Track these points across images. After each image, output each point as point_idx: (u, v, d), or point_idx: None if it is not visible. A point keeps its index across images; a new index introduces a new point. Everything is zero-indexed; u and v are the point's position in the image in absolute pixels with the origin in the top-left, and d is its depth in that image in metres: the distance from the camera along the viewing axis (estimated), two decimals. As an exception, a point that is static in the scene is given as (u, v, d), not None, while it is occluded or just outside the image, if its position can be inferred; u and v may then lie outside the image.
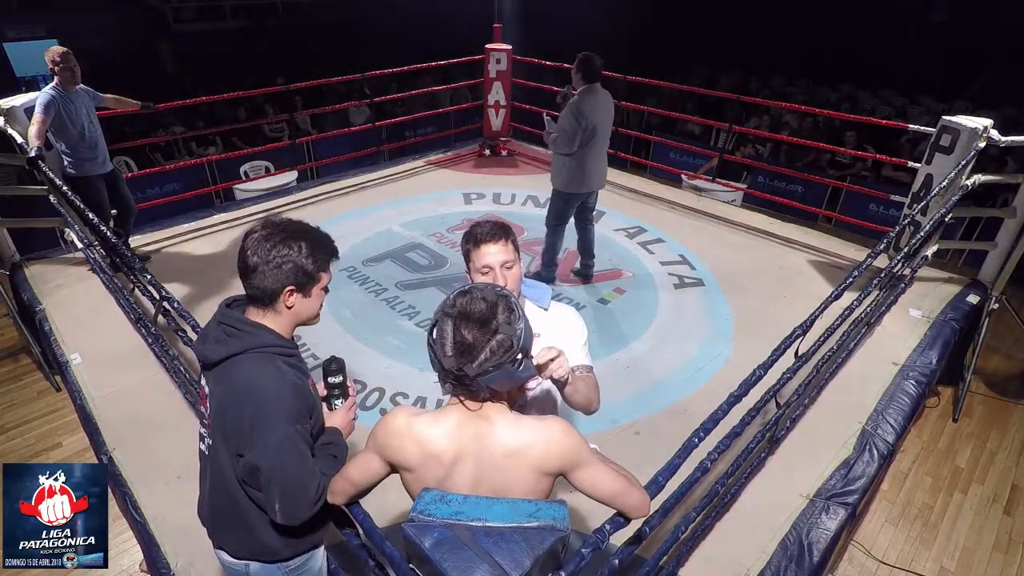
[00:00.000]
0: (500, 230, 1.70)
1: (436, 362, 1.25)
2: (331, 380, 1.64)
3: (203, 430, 1.54)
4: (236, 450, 1.43)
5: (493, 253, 1.67)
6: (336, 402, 1.64)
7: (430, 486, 1.30)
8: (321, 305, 1.54)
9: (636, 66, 6.33)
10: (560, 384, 1.51)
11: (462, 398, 1.29)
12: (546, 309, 1.82)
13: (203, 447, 1.55)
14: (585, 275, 4.42)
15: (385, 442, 1.35)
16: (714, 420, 1.85)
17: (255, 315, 1.46)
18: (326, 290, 1.52)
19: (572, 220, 4.18)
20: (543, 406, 1.85)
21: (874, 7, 10.83)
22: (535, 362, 1.37)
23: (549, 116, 4.05)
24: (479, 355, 1.20)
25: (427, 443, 1.30)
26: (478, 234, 1.70)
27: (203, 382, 1.51)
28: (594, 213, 4.23)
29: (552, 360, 1.44)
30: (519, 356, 1.24)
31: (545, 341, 1.76)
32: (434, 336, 1.25)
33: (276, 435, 1.37)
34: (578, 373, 1.70)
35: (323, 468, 1.47)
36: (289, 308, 1.45)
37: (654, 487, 1.56)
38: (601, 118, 3.82)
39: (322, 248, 1.46)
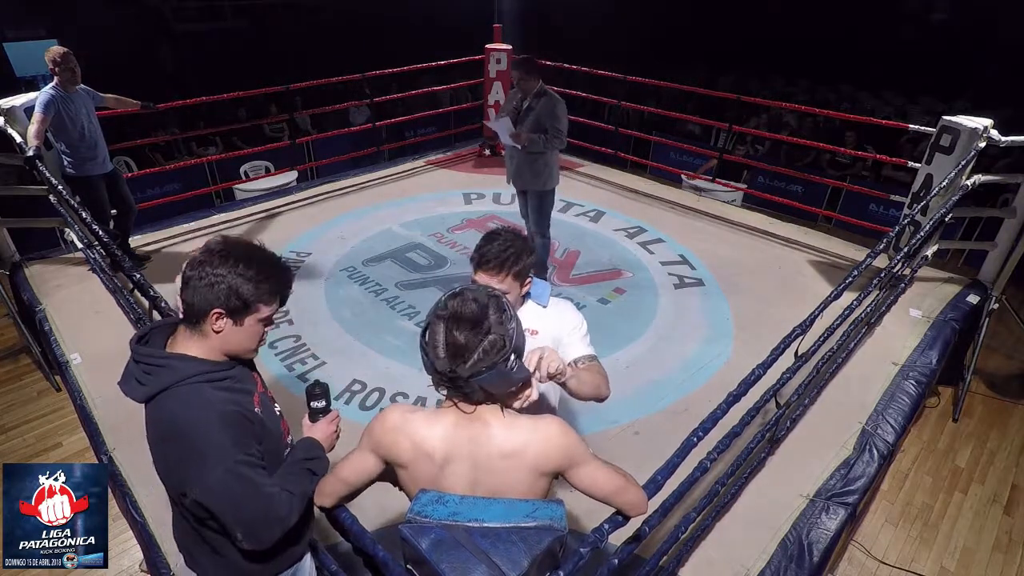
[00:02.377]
0: (502, 263, 1.67)
1: (429, 364, 1.24)
2: (314, 405, 1.58)
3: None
4: (179, 490, 1.34)
5: (484, 280, 1.67)
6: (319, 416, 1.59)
7: (424, 485, 1.30)
8: (261, 341, 1.40)
9: (636, 66, 6.33)
10: (560, 381, 1.51)
11: (456, 401, 1.29)
12: (545, 306, 1.83)
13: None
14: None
15: (380, 438, 1.35)
16: (713, 419, 1.85)
17: (181, 338, 1.36)
18: (269, 322, 1.38)
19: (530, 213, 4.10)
20: (538, 408, 1.85)
21: (874, 7, 10.82)
22: (529, 367, 1.37)
23: (513, 132, 3.77)
24: (471, 356, 1.19)
25: (420, 441, 1.30)
26: (482, 255, 1.69)
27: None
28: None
29: (540, 359, 1.43)
30: (511, 356, 1.23)
31: (543, 337, 1.77)
32: (426, 339, 1.24)
33: (214, 473, 1.25)
34: (582, 364, 1.70)
35: (291, 485, 1.38)
36: (216, 333, 1.32)
37: (652, 486, 1.56)
38: None
39: (270, 278, 1.32)
